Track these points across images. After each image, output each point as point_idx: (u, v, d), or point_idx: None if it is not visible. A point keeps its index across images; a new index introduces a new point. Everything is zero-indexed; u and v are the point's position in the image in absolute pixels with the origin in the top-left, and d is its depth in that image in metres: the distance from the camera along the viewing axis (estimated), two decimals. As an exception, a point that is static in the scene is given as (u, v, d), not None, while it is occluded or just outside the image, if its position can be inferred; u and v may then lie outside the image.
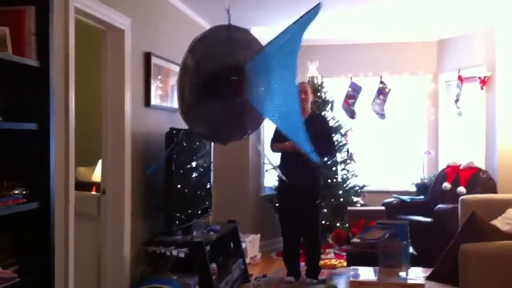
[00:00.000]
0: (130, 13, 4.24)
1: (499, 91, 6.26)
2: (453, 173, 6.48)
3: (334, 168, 6.71)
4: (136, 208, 4.35)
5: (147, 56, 4.59)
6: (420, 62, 7.33)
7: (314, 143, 4.93)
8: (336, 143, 6.30)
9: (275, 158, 6.12)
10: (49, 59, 2.52)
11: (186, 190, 4.75)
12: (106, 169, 4.17)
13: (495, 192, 6.01)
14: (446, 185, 6.42)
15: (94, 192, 4.96)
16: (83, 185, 4.98)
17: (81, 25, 3.75)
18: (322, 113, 6.59)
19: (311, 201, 5.25)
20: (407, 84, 7.46)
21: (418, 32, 6.95)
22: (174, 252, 4.30)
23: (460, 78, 6.70)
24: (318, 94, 6.79)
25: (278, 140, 5.25)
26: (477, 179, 6.19)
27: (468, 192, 5.92)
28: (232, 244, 5.50)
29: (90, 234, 4.28)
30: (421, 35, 7.15)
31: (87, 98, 4.76)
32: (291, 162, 5.15)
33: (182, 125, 5.41)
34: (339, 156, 6.78)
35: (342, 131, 6.90)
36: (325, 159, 6.05)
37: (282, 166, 5.34)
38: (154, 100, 4.76)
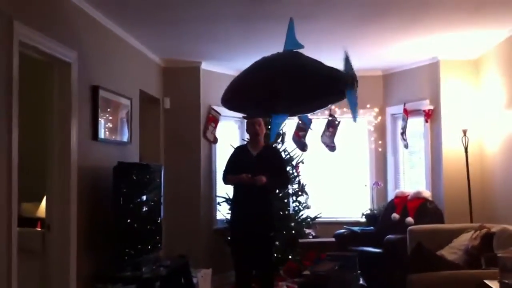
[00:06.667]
0: (77, 46, 4.21)
1: (444, 123, 6.48)
2: (402, 204, 6.60)
3: (286, 200, 6.74)
4: (82, 244, 4.24)
5: (95, 90, 4.55)
6: (367, 95, 7.48)
7: (268, 176, 4.99)
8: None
9: (228, 190, 6.11)
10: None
11: (135, 225, 4.67)
12: (51, 204, 4.06)
13: (442, 222, 6.14)
14: (395, 215, 6.52)
15: (38, 228, 4.82)
16: (28, 221, 4.83)
17: (27, 58, 3.70)
18: (273, 146, 6.63)
19: (265, 234, 5.22)
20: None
21: (364, 65, 7.12)
22: (122, 289, 4.20)
23: (405, 111, 6.90)
24: (269, 126, 6.85)
25: (233, 171, 5.21)
26: (425, 209, 6.31)
27: (416, 223, 6.03)
28: (183, 279, 5.41)
29: (34, 271, 4.14)
30: (367, 69, 7.33)
31: (32, 131, 4.65)
32: (245, 194, 5.13)
33: (131, 158, 5.38)
34: (291, 188, 6.81)
35: (293, 163, 6.95)
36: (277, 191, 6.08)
37: (236, 199, 5.32)
38: (102, 133, 4.70)
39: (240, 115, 7.47)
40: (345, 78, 3.39)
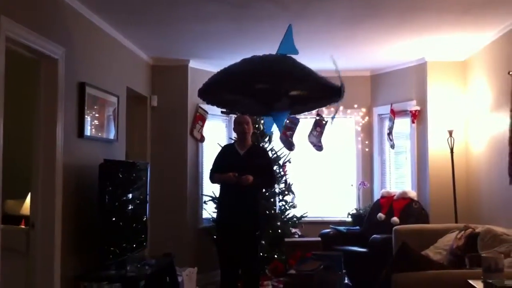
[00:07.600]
0: (64, 43, 4.17)
1: (430, 124, 6.52)
2: (387, 204, 6.63)
3: (272, 199, 6.74)
4: (67, 242, 4.21)
5: (81, 86, 4.51)
6: (355, 95, 7.51)
7: (255, 175, 4.99)
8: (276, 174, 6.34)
9: (214, 189, 6.09)
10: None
11: (121, 223, 4.65)
12: (36, 202, 4.02)
13: (427, 222, 6.19)
14: (381, 215, 6.55)
15: (23, 226, 4.77)
16: (11, 219, 4.77)
17: (14, 54, 3.66)
18: (261, 145, 6.63)
19: (251, 232, 5.22)
20: (343, 117, 7.64)
21: (352, 66, 7.14)
22: (107, 288, 4.18)
23: (392, 112, 6.93)
24: (256, 126, 6.85)
25: (220, 170, 5.20)
26: (410, 209, 6.36)
27: (401, 223, 6.06)
28: (168, 278, 5.39)
29: (18, 270, 4.09)
30: (355, 69, 7.35)
31: (18, 127, 4.61)
32: (232, 193, 5.12)
33: (117, 156, 5.35)
34: (277, 187, 6.82)
35: (280, 162, 6.95)
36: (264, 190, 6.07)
37: (222, 198, 5.30)
38: (88, 130, 4.66)
39: (231, 113, 7.47)
40: (340, 87, 3.63)
